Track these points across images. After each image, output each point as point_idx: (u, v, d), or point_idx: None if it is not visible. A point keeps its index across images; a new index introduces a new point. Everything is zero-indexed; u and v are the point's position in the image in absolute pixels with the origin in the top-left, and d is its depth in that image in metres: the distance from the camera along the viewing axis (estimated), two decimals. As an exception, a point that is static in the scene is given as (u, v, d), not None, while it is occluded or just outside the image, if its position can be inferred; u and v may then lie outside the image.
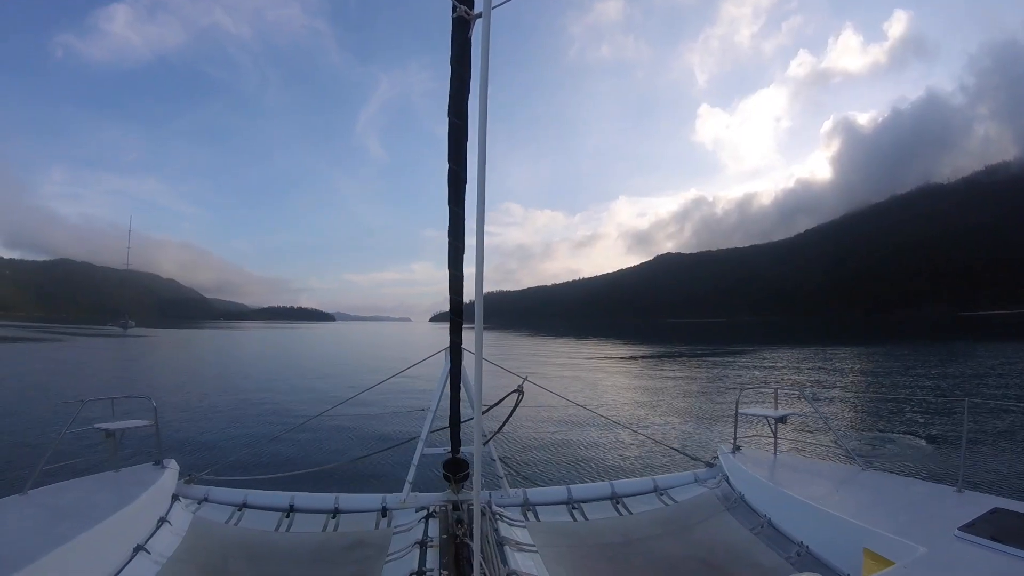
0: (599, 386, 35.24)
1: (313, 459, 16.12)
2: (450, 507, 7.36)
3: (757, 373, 42.15)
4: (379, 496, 8.15)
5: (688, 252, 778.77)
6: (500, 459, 8.66)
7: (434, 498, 7.83)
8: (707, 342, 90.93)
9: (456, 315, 5.83)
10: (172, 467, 8.30)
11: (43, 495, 6.73)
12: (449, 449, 7.80)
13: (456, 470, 7.71)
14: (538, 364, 52.27)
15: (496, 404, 7.19)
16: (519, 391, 6.86)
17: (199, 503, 8.06)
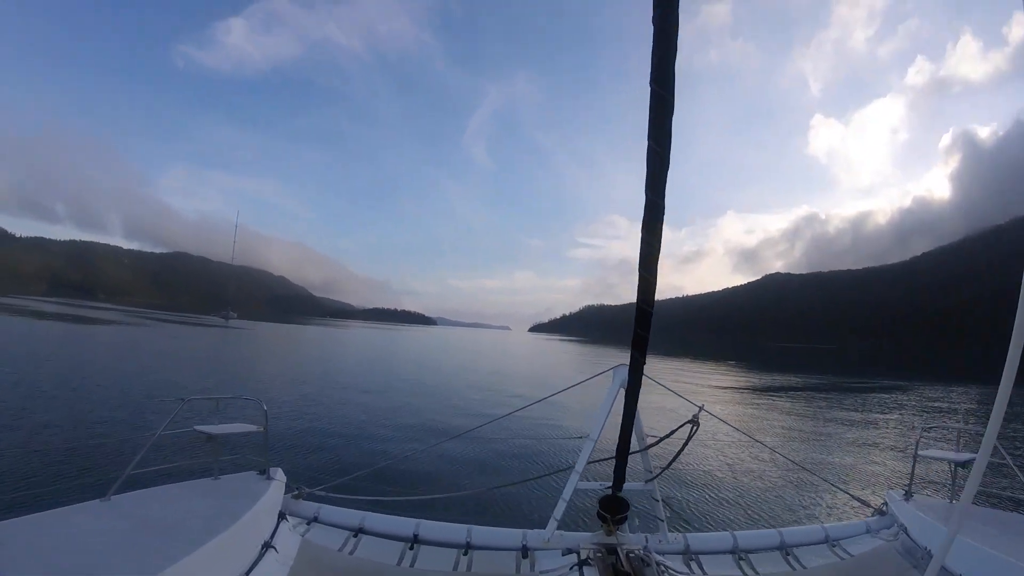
0: (729, 414, 32.21)
1: (442, 482, 14.70)
2: (604, 552, 6.30)
3: (907, 409, 38.41)
4: (519, 532, 7.09)
5: (798, 272, 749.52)
6: (663, 499, 7.31)
7: (583, 539, 6.72)
8: (831, 371, 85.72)
9: (642, 328, 5.23)
10: (278, 478, 7.42)
11: (127, 502, 5.86)
12: (609, 485, 6.76)
13: (615, 510, 6.63)
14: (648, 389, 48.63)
15: (668, 435, 6.56)
16: (694, 421, 6.31)
17: (308, 523, 7.25)
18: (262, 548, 6.03)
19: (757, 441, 13.39)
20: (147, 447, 6.42)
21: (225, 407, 7.92)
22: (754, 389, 50.76)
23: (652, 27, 3.59)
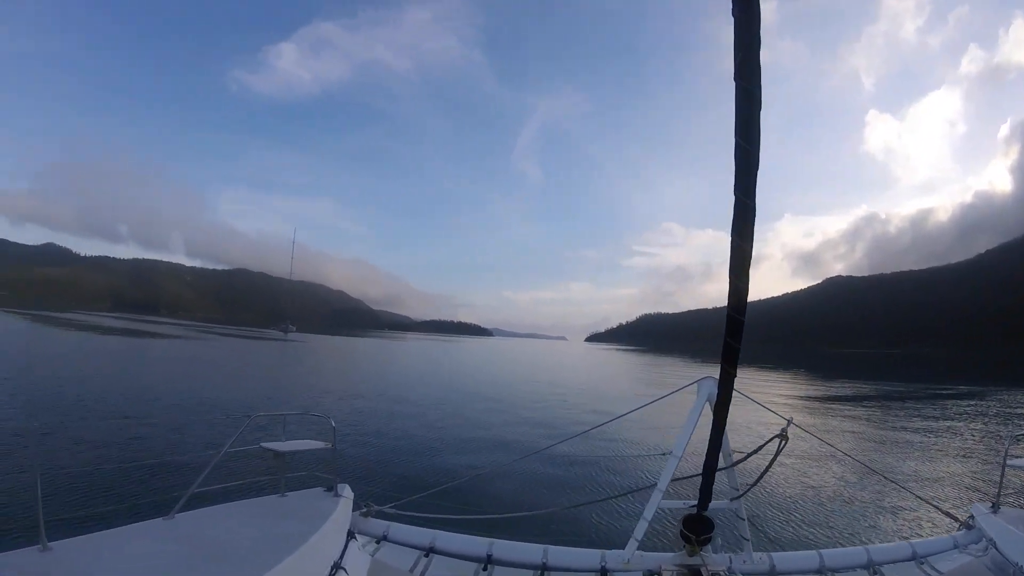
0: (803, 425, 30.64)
1: (515, 501, 14.36)
2: (687, 573, 6.17)
3: (990, 416, 36.60)
4: (597, 553, 6.75)
5: (859, 275, 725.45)
6: (748, 518, 7.00)
7: (664, 560, 6.53)
8: (901, 377, 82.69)
9: (733, 339, 5.08)
10: (346, 495, 7.26)
11: (191, 521, 5.78)
12: (693, 503, 6.41)
13: (699, 530, 6.29)
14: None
15: (757, 451, 6.26)
16: (782, 436, 5.95)
17: (378, 543, 7.01)
18: (332, 569, 5.79)
19: (843, 453, 12.64)
20: (212, 465, 6.37)
21: (291, 423, 7.46)
22: (824, 399, 48.84)
23: (732, 20, 3.50)
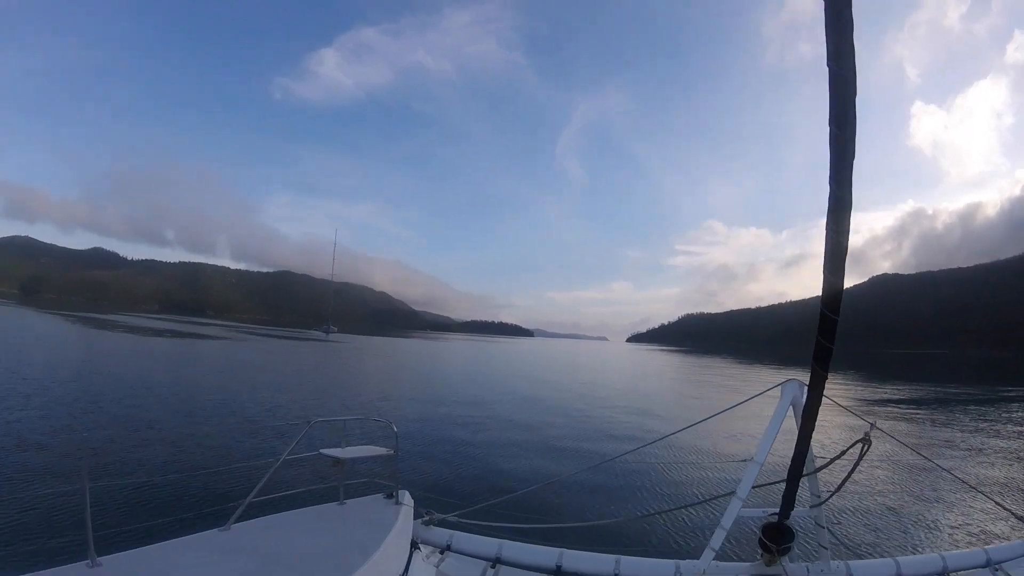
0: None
1: (584, 510, 13.84)
2: None
3: None
4: (671, 563, 6.52)
5: (906, 273, 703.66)
6: (828, 525, 6.70)
7: (740, 570, 6.34)
8: (953, 379, 79.44)
9: (826, 338, 4.87)
10: (406, 502, 7.05)
11: (250, 531, 5.67)
12: (773, 511, 6.16)
13: (780, 539, 6.06)
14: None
15: (840, 456, 5.99)
16: (865, 440, 5.75)
17: (442, 553, 6.80)
18: None
19: (922, 456, 12.02)
20: (270, 473, 6.25)
21: (349, 429, 7.72)
22: (881, 402, 47.09)
23: (823, 4, 3.40)
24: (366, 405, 30.21)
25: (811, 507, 6.44)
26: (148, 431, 20.00)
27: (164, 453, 17.12)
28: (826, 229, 4.19)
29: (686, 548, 10.52)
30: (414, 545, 6.60)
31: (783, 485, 6.16)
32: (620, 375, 73.23)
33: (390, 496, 7.12)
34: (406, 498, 7.14)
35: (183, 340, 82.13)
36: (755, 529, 6.39)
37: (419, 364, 71.77)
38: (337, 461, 7.01)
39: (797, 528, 6.24)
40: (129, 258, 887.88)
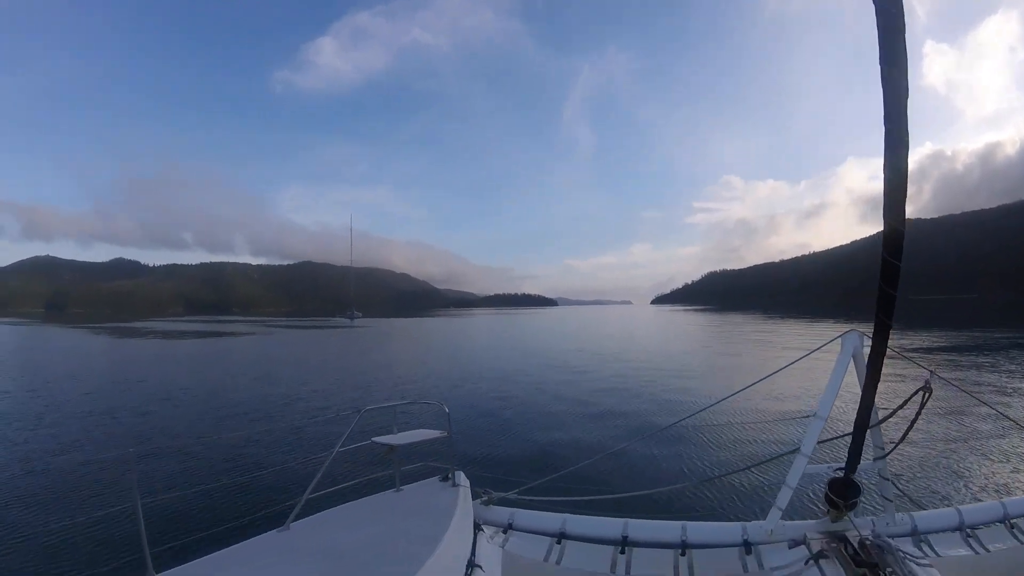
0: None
1: (642, 478, 13.65)
2: (842, 546, 5.55)
3: None
4: (737, 526, 6.15)
5: (927, 217, 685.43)
6: (892, 477, 6.35)
7: (808, 528, 5.96)
8: (983, 324, 78.94)
9: (890, 285, 4.65)
10: (462, 483, 6.81)
11: (309, 528, 5.48)
12: (838, 466, 5.87)
13: (847, 494, 5.75)
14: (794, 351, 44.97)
15: (902, 406, 5.68)
16: (926, 388, 5.48)
17: (504, 533, 6.38)
18: (467, 568, 5.33)
19: (981, 402, 11.63)
20: (325, 466, 6.02)
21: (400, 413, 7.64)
22: (927, 349, 45.84)
23: None
24: (405, 389, 29.80)
25: (875, 459, 6.14)
26: (192, 437, 19.63)
27: (212, 458, 16.77)
28: (884, 171, 4.06)
29: (751, 510, 10.39)
30: (477, 527, 6.28)
31: (843, 440, 6.02)
32: (654, 339, 71.94)
33: (446, 478, 6.93)
34: (462, 479, 6.93)
35: (211, 340, 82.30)
36: (820, 485, 6.12)
37: (448, 342, 71.39)
38: (391, 448, 6.82)
39: (861, 482, 5.95)
40: (150, 265, 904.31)
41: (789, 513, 6.17)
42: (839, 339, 6.02)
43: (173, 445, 18.11)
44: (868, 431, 5.90)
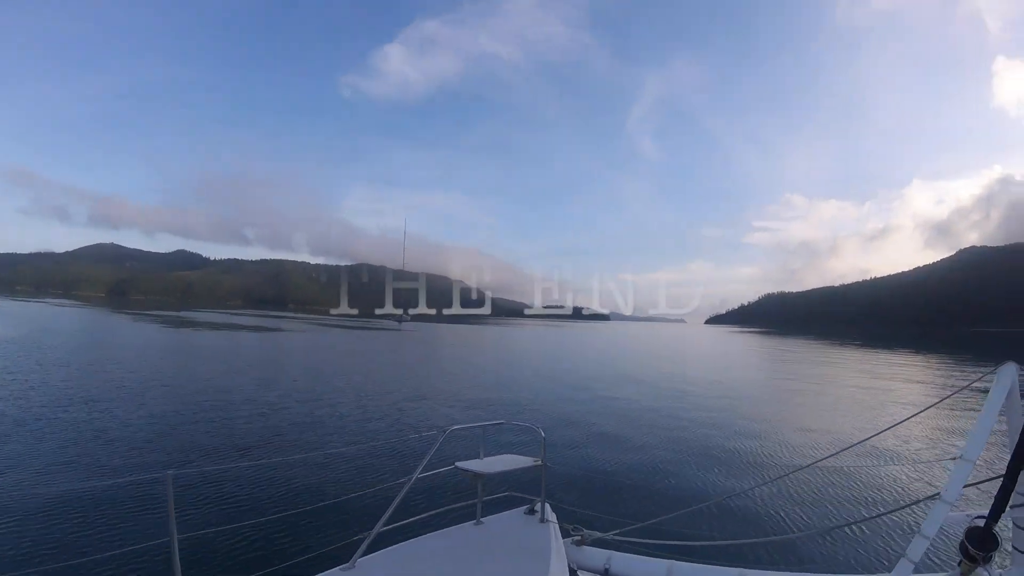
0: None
1: (756, 523, 12.41)
2: None
3: None
4: None
5: (994, 245, 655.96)
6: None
7: None
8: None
9: None
10: (550, 519, 6.21)
11: (379, 566, 5.03)
12: (980, 515, 5.06)
13: (986, 546, 4.99)
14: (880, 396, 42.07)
15: None
16: None
17: None
18: None
19: None
20: (401, 495, 5.45)
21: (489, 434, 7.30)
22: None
23: None
24: (464, 404, 27.67)
25: (1011, 507, 5.13)
26: (243, 465, 15.96)
27: (268, 483, 14.31)
28: None
29: (879, 563, 9.58)
30: (572, 572, 5.68)
31: (985, 485, 5.31)
32: (731, 364, 68.26)
33: (532, 511, 6.38)
34: (549, 513, 6.32)
35: (267, 334, 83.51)
36: (951, 535, 5.58)
37: (504, 353, 70.71)
38: (476, 475, 6.14)
39: (999, 532, 5.13)
40: (212, 258, 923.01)
41: (919, 566, 5.32)
42: (993, 372, 5.15)
43: (218, 469, 15.10)
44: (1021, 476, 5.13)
